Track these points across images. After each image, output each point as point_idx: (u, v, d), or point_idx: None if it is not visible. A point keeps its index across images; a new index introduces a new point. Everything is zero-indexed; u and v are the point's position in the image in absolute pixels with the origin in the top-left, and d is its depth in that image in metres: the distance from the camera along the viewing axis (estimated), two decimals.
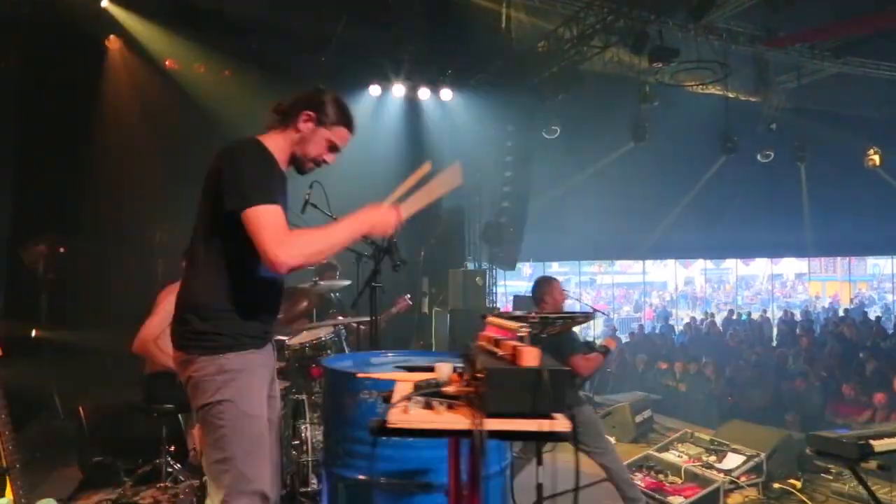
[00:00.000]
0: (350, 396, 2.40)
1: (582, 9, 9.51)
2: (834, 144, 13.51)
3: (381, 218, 2.33)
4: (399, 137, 9.92)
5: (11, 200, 7.80)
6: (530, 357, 1.37)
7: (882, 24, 10.13)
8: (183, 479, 4.40)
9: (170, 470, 4.44)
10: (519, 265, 13.04)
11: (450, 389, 1.45)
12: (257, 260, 2.16)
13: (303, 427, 4.07)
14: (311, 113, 2.39)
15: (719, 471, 5.22)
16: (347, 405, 2.41)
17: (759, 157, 12.94)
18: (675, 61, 9.25)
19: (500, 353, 1.44)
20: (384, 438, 2.31)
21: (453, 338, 8.15)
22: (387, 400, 1.80)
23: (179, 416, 4.76)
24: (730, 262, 25.33)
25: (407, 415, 1.37)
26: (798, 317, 17.83)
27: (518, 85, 10.57)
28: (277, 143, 2.38)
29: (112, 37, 8.02)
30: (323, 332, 4.44)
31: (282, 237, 2.13)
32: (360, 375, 2.25)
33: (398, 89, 10.06)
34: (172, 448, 4.48)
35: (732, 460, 5.34)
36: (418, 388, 1.46)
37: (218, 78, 8.82)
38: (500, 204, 11.21)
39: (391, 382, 2.33)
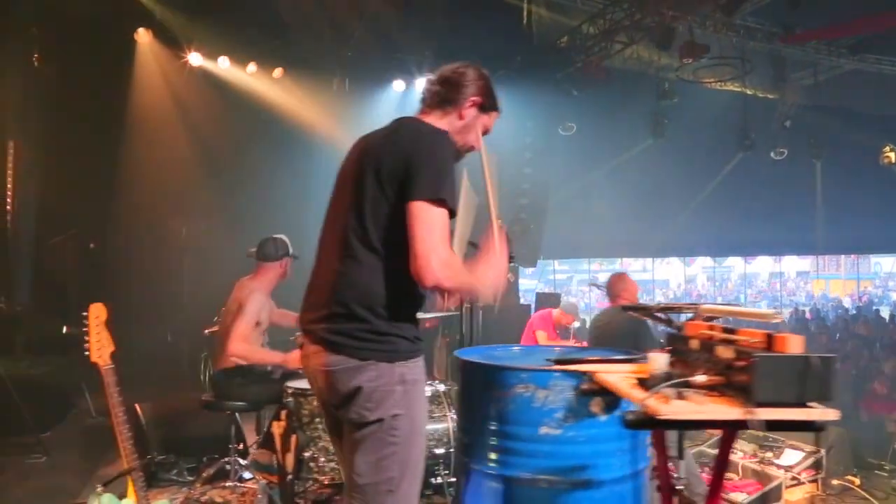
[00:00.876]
0: (502, 390, 2.30)
1: (608, 6, 9.48)
2: (849, 141, 13.51)
3: (498, 279, 2.13)
4: None
5: (40, 197, 7.69)
6: (795, 344, 1.31)
7: None
8: (249, 476, 4.31)
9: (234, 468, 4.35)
10: None
11: (699, 380, 1.38)
12: None
13: None
14: (476, 98, 2.19)
15: (779, 467, 5.18)
16: (499, 399, 2.31)
17: (772, 154, 12.94)
18: (704, 57, 9.25)
19: (749, 340, 1.38)
20: (541, 433, 2.29)
21: (486, 334, 8.07)
22: (585, 393, 1.74)
23: (237, 414, 4.66)
24: (731, 260, 25.43)
25: (671, 405, 1.30)
26: (808, 315, 17.87)
27: (539, 80, 10.52)
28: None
29: (141, 30, 7.90)
30: None
31: (446, 250, 1.88)
32: (554, 368, 2.15)
33: (422, 84, 9.97)
34: (241, 446, 4.39)
35: (791, 456, 5.29)
36: (660, 378, 1.39)
37: (242, 72, 8.75)
38: (518, 201, 11.13)
39: (548, 375, 2.28)
